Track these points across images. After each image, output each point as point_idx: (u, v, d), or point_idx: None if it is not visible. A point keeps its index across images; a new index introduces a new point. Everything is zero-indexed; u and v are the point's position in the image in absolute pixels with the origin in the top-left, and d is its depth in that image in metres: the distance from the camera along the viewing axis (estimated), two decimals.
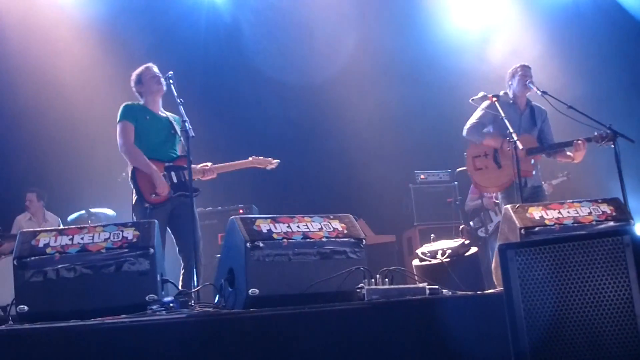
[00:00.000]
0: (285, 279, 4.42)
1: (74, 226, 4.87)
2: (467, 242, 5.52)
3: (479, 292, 4.83)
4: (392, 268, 4.85)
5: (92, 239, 4.44)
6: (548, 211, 5.22)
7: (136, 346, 3.63)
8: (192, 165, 5.86)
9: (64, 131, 9.68)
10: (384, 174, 10.28)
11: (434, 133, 10.65)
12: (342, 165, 10.58)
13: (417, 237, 9.51)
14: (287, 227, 4.59)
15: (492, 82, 8.66)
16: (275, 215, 4.66)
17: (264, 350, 3.80)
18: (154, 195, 5.93)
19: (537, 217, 5.17)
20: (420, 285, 4.61)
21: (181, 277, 5.88)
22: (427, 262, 5.39)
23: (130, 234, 4.49)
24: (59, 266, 4.29)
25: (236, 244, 4.52)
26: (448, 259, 5.25)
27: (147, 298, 4.29)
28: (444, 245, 5.46)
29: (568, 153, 6.90)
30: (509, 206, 5.42)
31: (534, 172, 6.87)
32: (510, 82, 7.15)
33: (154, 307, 4.21)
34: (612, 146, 6.31)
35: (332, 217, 4.80)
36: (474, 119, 7.06)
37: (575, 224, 5.12)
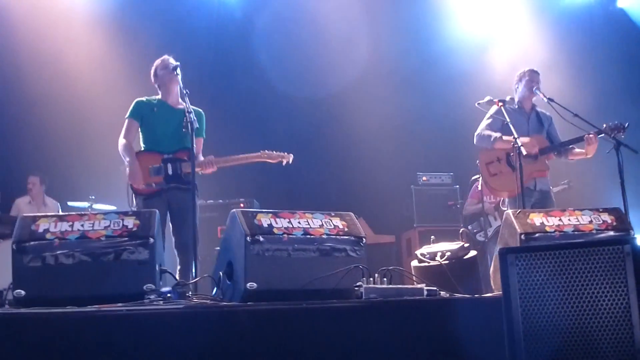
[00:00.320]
0: (284, 274, 4.41)
1: (74, 213, 4.86)
2: (466, 245, 5.51)
3: (476, 296, 4.83)
4: (390, 268, 4.84)
5: (92, 226, 4.43)
6: (549, 218, 5.22)
7: (132, 335, 3.63)
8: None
9: (68, 117, 9.70)
10: (386, 174, 10.28)
11: (438, 135, 10.67)
12: (344, 164, 10.58)
13: (416, 239, 9.51)
14: (288, 222, 4.58)
15: (497, 85, 8.68)
16: (276, 210, 4.66)
17: (259, 344, 3.80)
18: (143, 186, 6.03)
19: (537, 224, 5.16)
20: (418, 286, 4.61)
21: (178, 272, 5.88)
22: (425, 264, 5.38)
23: (130, 222, 4.48)
24: (58, 252, 4.28)
25: (236, 237, 4.52)
26: (447, 262, 5.23)
27: (144, 287, 4.28)
28: (443, 248, 5.45)
29: (577, 150, 6.91)
30: (510, 211, 5.43)
31: (546, 173, 6.88)
32: (516, 86, 7.16)
33: (152, 296, 4.21)
34: (617, 152, 6.32)
35: (333, 214, 4.79)
36: (482, 126, 7.06)
37: (576, 232, 5.12)
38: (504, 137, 6.83)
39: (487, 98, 6.99)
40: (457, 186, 9.95)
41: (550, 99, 6.75)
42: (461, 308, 4.28)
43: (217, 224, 8.56)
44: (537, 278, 3.26)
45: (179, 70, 6.04)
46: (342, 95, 10.49)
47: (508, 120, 6.59)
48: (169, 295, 4.28)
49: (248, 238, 4.36)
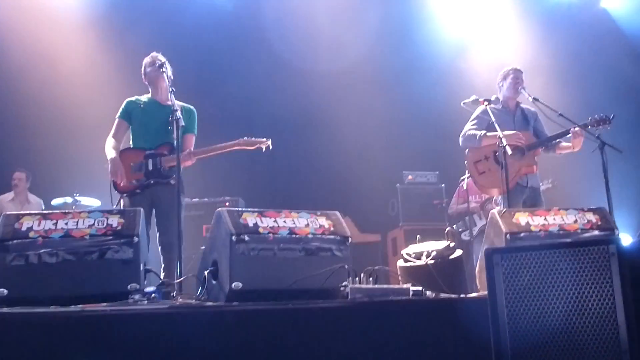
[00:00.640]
0: (269, 274, 4.40)
1: (58, 211, 4.83)
2: (452, 244, 5.51)
3: (462, 296, 4.83)
4: (376, 267, 4.83)
5: (77, 224, 4.40)
6: (534, 217, 5.23)
7: (116, 335, 3.61)
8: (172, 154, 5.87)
9: (52, 113, 9.63)
10: (371, 172, 10.28)
11: (423, 134, 10.67)
12: (330, 162, 10.56)
13: (402, 238, 9.51)
14: (274, 221, 4.57)
15: (482, 85, 8.68)
16: (262, 210, 4.64)
17: (245, 345, 3.78)
18: (125, 183, 6.04)
19: (523, 223, 5.17)
20: (404, 286, 4.60)
21: (162, 270, 5.85)
22: (411, 263, 5.37)
23: (115, 221, 4.46)
24: (42, 251, 4.25)
25: (221, 236, 4.50)
26: (432, 261, 5.23)
27: (129, 287, 4.26)
28: (429, 247, 5.44)
29: (564, 144, 6.92)
30: (495, 210, 5.44)
31: (535, 168, 6.89)
32: (500, 84, 7.16)
33: (136, 296, 4.19)
34: (602, 151, 6.34)
35: (319, 213, 4.78)
36: (468, 127, 7.06)
37: (561, 231, 5.14)
38: (489, 134, 6.83)
39: (473, 97, 7.00)
40: (443, 185, 9.96)
41: (535, 98, 6.77)
42: (447, 308, 4.28)
43: (202, 223, 8.53)
44: (523, 278, 3.27)
45: (165, 67, 6.03)
46: (327, 93, 10.46)
47: (493, 119, 6.60)
48: (153, 295, 4.26)
49: (233, 237, 4.34)
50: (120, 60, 9.12)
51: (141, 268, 4.44)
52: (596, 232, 5.14)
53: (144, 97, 6.41)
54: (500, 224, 5.16)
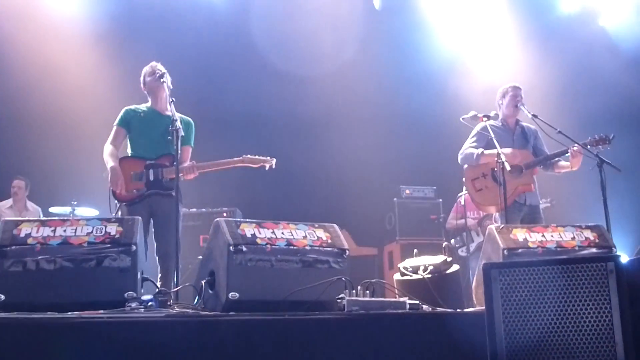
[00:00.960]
0: (266, 285, 4.40)
1: (57, 218, 4.83)
2: (449, 259, 5.50)
3: (459, 310, 4.82)
4: (373, 280, 4.84)
5: (75, 232, 4.39)
6: (532, 234, 5.23)
7: (113, 342, 3.60)
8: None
9: (51, 122, 9.65)
10: (369, 186, 10.30)
11: (421, 149, 10.70)
12: (328, 175, 10.59)
13: (398, 252, 9.53)
14: (272, 232, 4.58)
15: (481, 100, 8.71)
16: (260, 220, 4.65)
17: (241, 355, 3.78)
18: (124, 192, 6.02)
19: (520, 239, 5.18)
20: (401, 299, 4.60)
21: (159, 279, 5.85)
22: (408, 277, 5.37)
23: (113, 229, 4.46)
24: (39, 257, 4.25)
25: (219, 246, 4.50)
26: (429, 275, 5.22)
27: (126, 295, 4.25)
28: (425, 261, 5.44)
29: (563, 163, 6.93)
30: (492, 226, 5.43)
31: (533, 187, 6.89)
32: (500, 102, 7.16)
33: (133, 304, 4.18)
34: (600, 169, 6.35)
35: (317, 225, 4.79)
36: (467, 144, 7.07)
37: (558, 248, 5.14)
38: (486, 151, 6.85)
39: (472, 113, 7.01)
40: (440, 200, 9.97)
41: (534, 115, 6.78)
42: (443, 322, 4.27)
43: (199, 233, 8.55)
44: (521, 294, 3.27)
45: (166, 78, 6.04)
46: (327, 108, 10.50)
47: (492, 135, 6.61)
48: (150, 303, 4.25)
49: (231, 247, 4.35)
50: (120, 70, 9.14)
51: (138, 276, 4.44)
52: (594, 250, 5.14)
53: (143, 106, 6.40)
54: (498, 240, 5.16)
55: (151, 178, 6.09)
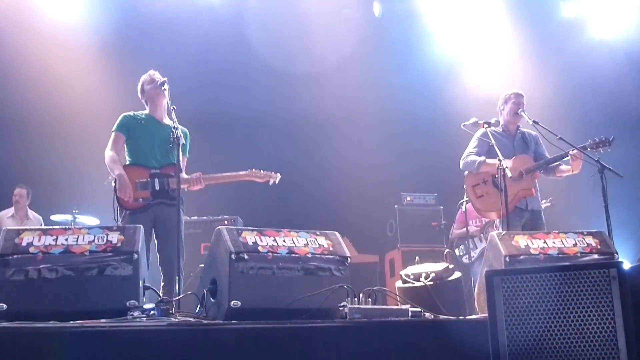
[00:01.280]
0: (268, 293, 4.39)
1: (58, 226, 4.83)
2: (450, 266, 5.50)
3: (461, 317, 4.82)
4: (375, 288, 4.83)
5: (77, 240, 4.40)
6: (533, 240, 5.23)
7: (114, 352, 3.59)
8: (182, 175, 5.85)
9: (52, 130, 9.67)
10: (370, 193, 10.30)
11: (422, 156, 10.71)
12: (329, 183, 10.59)
13: (399, 259, 9.51)
14: (273, 240, 4.57)
15: (482, 106, 8.71)
16: (261, 228, 4.64)
17: None
18: (131, 200, 5.98)
19: (522, 246, 5.17)
20: (403, 307, 4.60)
21: (161, 288, 5.84)
22: (410, 284, 5.36)
23: (115, 237, 4.46)
24: (41, 266, 4.25)
25: (221, 255, 4.50)
26: (431, 282, 5.22)
27: (128, 304, 4.25)
28: (427, 269, 5.43)
29: (564, 167, 6.92)
30: (494, 233, 5.43)
31: (534, 191, 6.88)
32: (501, 108, 7.16)
33: (135, 313, 4.18)
34: (601, 175, 6.35)
35: (318, 233, 4.78)
36: (468, 151, 7.07)
37: (560, 255, 5.13)
38: (488, 161, 6.84)
39: (473, 119, 7.00)
40: (441, 207, 9.97)
41: (535, 121, 6.78)
42: (446, 329, 4.27)
43: (200, 241, 8.53)
44: (523, 300, 3.27)
45: (166, 86, 6.04)
46: (327, 115, 10.51)
47: (493, 142, 6.61)
48: (152, 312, 4.25)
49: (233, 255, 4.34)
50: (121, 78, 9.13)
51: (140, 285, 4.44)
52: (596, 256, 5.13)
53: (142, 114, 6.38)
54: (500, 247, 5.15)
55: (157, 187, 6.07)
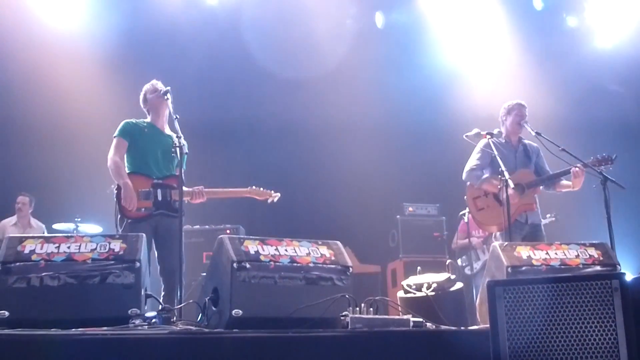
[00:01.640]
0: (269, 302, 4.38)
1: (60, 234, 4.84)
2: (452, 277, 5.50)
3: (463, 328, 4.81)
4: (377, 298, 4.83)
5: (79, 248, 4.40)
6: (536, 251, 5.22)
7: (116, 359, 3.59)
8: (184, 188, 5.84)
9: (55, 138, 9.69)
10: (372, 203, 10.31)
11: (424, 166, 10.72)
12: (331, 193, 10.59)
13: (401, 269, 9.52)
14: (275, 249, 4.57)
15: (483, 117, 8.71)
16: (263, 237, 4.65)
17: None
18: (134, 209, 5.96)
19: (524, 257, 5.16)
20: (405, 317, 4.59)
21: (162, 296, 5.83)
22: (411, 295, 5.36)
23: (117, 246, 4.46)
24: (44, 274, 4.25)
25: (222, 263, 4.50)
26: (433, 293, 5.22)
27: (129, 312, 4.25)
28: (429, 279, 5.43)
29: (564, 183, 6.91)
30: (496, 244, 5.42)
31: (535, 206, 6.88)
32: (504, 119, 7.14)
33: (137, 321, 4.18)
34: (604, 187, 6.34)
35: (320, 242, 4.78)
36: (472, 162, 7.05)
37: (562, 266, 5.12)
38: (493, 181, 6.79)
39: (475, 130, 6.99)
40: (444, 217, 9.97)
41: (537, 133, 6.76)
42: (447, 340, 4.26)
43: (202, 250, 8.53)
44: (525, 311, 3.27)
45: (169, 95, 6.04)
46: (329, 126, 10.52)
47: (496, 153, 6.60)
48: (153, 320, 4.25)
49: (235, 264, 4.34)
50: (124, 87, 9.16)
51: (142, 293, 4.44)
52: (598, 268, 5.12)
53: (144, 122, 6.36)
54: (502, 257, 5.15)
55: (159, 198, 6.05)
